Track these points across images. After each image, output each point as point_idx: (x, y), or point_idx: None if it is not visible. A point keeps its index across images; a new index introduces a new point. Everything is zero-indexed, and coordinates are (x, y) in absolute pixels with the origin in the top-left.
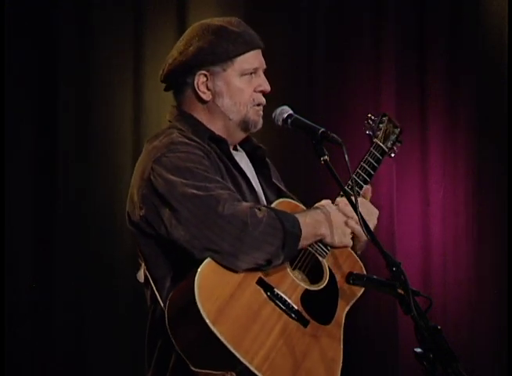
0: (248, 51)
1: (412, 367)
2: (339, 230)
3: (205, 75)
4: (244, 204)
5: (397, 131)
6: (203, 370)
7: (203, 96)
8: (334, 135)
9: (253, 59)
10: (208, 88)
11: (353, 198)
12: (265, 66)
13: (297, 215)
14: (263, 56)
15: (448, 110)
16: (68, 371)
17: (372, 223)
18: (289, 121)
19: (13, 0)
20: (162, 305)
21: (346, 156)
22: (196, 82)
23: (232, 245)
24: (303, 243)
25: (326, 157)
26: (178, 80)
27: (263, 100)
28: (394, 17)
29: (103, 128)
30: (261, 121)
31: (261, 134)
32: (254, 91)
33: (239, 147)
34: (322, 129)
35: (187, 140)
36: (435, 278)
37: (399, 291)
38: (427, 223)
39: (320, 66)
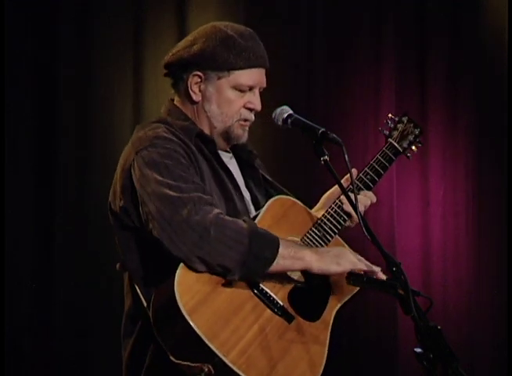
0: (248, 68)
1: (412, 367)
2: (328, 255)
3: (199, 77)
4: (214, 210)
5: (417, 131)
6: (183, 362)
7: (194, 97)
8: (334, 135)
9: (250, 76)
10: (200, 90)
11: (353, 197)
12: (264, 86)
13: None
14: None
15: (448, 110)
16: (68, 371)
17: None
18: (289, 121)
19: (13, 1)
20: (138, 290)
21: (346, 156)
22: (189, 81)
23: (190, 250)
24: (280, 263)
25: (326, 157)
26: (176, 73)
27: (251, 117)
28: (394, 17)
29: (103, 129)
30: (245, 136)
31: (262, 134)
32: (244, 106)
33: (228, 149)
34: (322, 129)
35: (172, 136)
36: (435, 278)
37: (399, 291)
38: (427, 223)
39: (320, 66)
